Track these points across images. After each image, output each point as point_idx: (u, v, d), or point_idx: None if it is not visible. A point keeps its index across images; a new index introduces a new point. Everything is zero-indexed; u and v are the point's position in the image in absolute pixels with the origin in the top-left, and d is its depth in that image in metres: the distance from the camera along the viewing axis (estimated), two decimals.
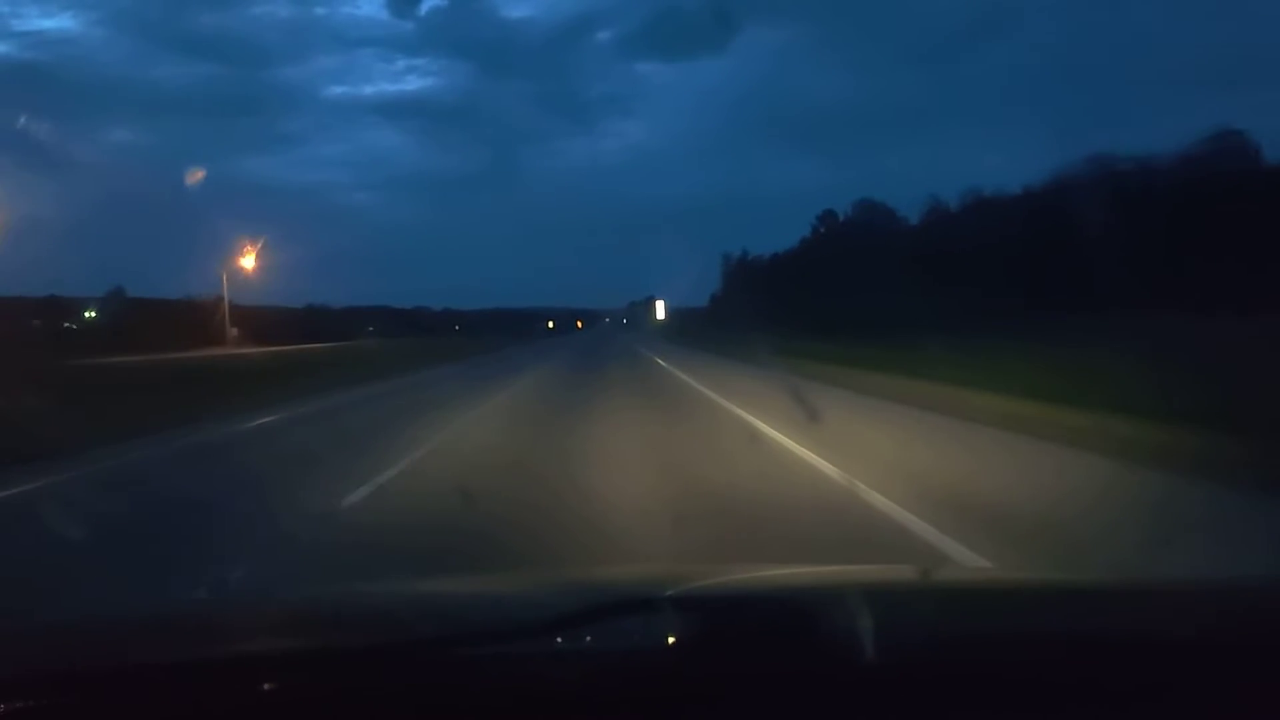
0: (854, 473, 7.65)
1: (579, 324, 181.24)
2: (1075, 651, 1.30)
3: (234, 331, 58.01)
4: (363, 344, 58.12)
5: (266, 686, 1.24)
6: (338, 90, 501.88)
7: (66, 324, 68.99)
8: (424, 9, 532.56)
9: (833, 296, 57.51)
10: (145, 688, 1.24)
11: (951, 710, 1.23)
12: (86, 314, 74.02)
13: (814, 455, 8.80)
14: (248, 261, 53.14)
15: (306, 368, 29.05)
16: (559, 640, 1.32)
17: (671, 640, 1.36)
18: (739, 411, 13.30)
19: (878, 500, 6.69)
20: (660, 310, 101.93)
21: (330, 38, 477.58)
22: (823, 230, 69.09)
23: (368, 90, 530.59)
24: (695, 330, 67.24)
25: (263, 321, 74.18)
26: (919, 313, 37.77)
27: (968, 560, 4.98)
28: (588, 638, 1.35)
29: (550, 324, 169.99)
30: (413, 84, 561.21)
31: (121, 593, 4.68)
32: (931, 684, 1.25)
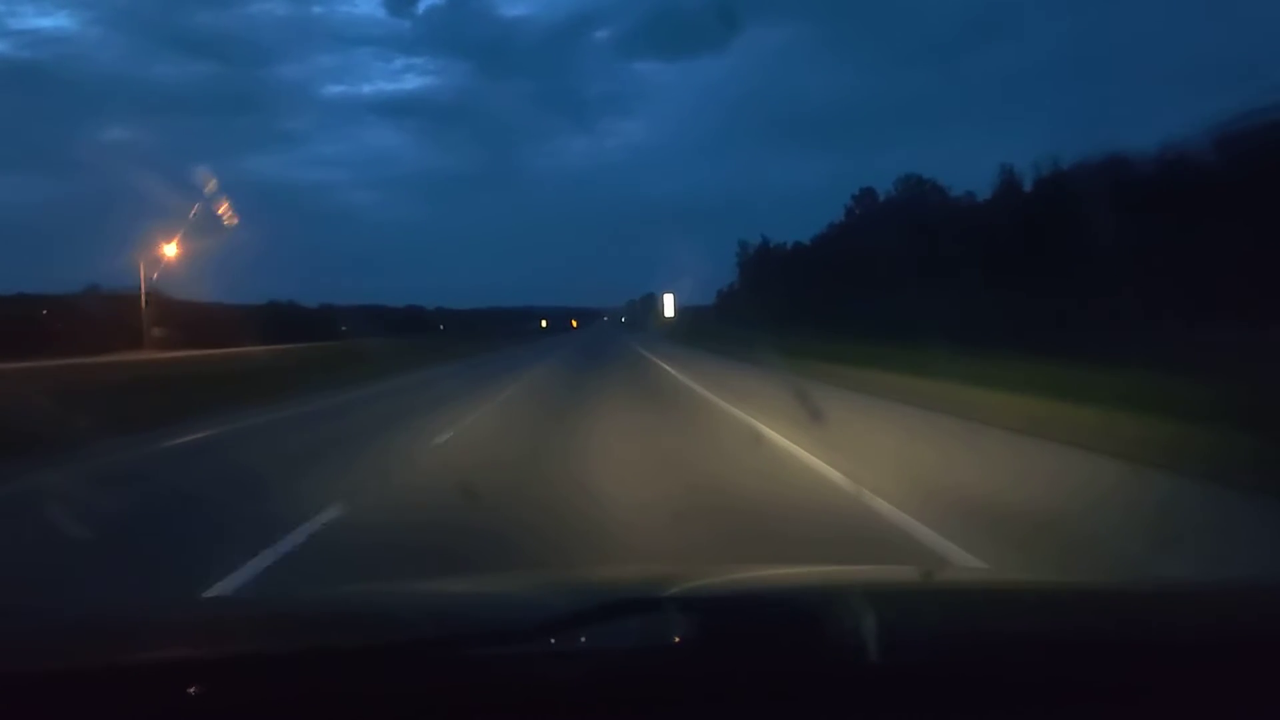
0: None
1: (573, 323, 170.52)
2: (1077, 652, 1.29)
3: (156, 331, 48.67)
4: (312, 348, 48.25)
5: (268, 686, 1.23)
6: (336, 89, 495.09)
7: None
8: (421, 8, 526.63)
9: (872, 289, 48.24)
10: (145, 687, 1.23)
11: (954, 711, 1.22)
12: (44, 311, 67.21)
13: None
14: (171, 248, 43.61)
15: (175, 384, 20.17)
16: (562, 640, 1.31)
17: (674, 640, 1.34)
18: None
19: None
20: (669, 306, 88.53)
21: (328, 36, 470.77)
22: (859, 212, 59.05)
23: (365, 89, 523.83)
24: (709, 330, 56.89)
25: (207, 319, 65.05)
26: (990, 311, 31.21)
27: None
28: (591, 637, 1.33)
29: (543, 323, 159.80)
30: (411, 83, 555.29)
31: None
32: (934, 684, 1.24)
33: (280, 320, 76.66)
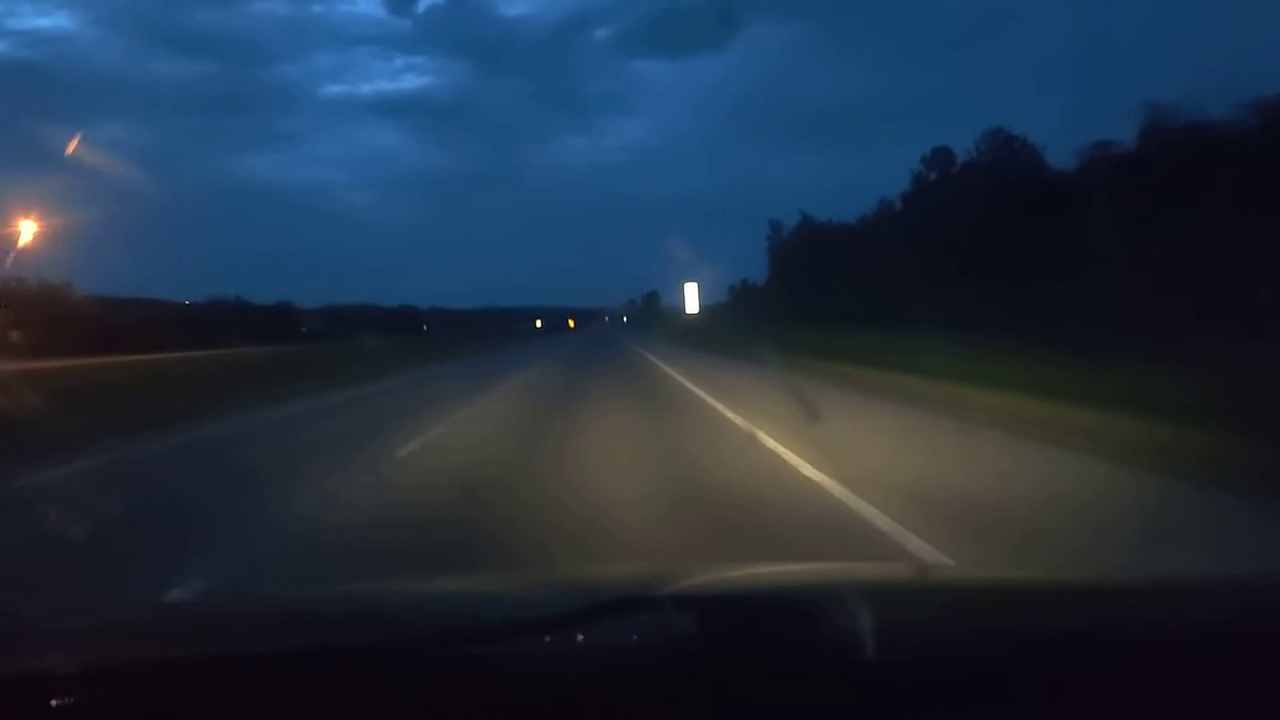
0: None
1: (570, 322, 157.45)
2: (1072, 649, 1.28)
3: (15, 335, 37.17)
4: (223, 355, 36.40)
5: (267, 685, 1.21)
6: (335, 89, 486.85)
7: None
8: (421, 7, 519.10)
9: (966, 277, 36.74)
10: (143, 685, 1.21)
11: (950, 709, 1.21)
12: None
13: None
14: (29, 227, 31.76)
15: None
16: (559, 639, 1.30)
17: (672, 639, 1.32)
18: None
19: None
20: (690, 299, 68.63)
21: (328, 36, 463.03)
22: (933, 178, 46.60)
23: (365, 89, 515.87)
24: (739, 331, 43.56)
25: (117, 318, 53.40)
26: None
27: None
28: (587, 636, 1.31)
29: (538, 323, 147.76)
30: (410, 82, 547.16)
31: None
32: (930, 683, 1.23)
33: (219, 320, 64.62)
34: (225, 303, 70.86)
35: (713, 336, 42.44)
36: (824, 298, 41.70)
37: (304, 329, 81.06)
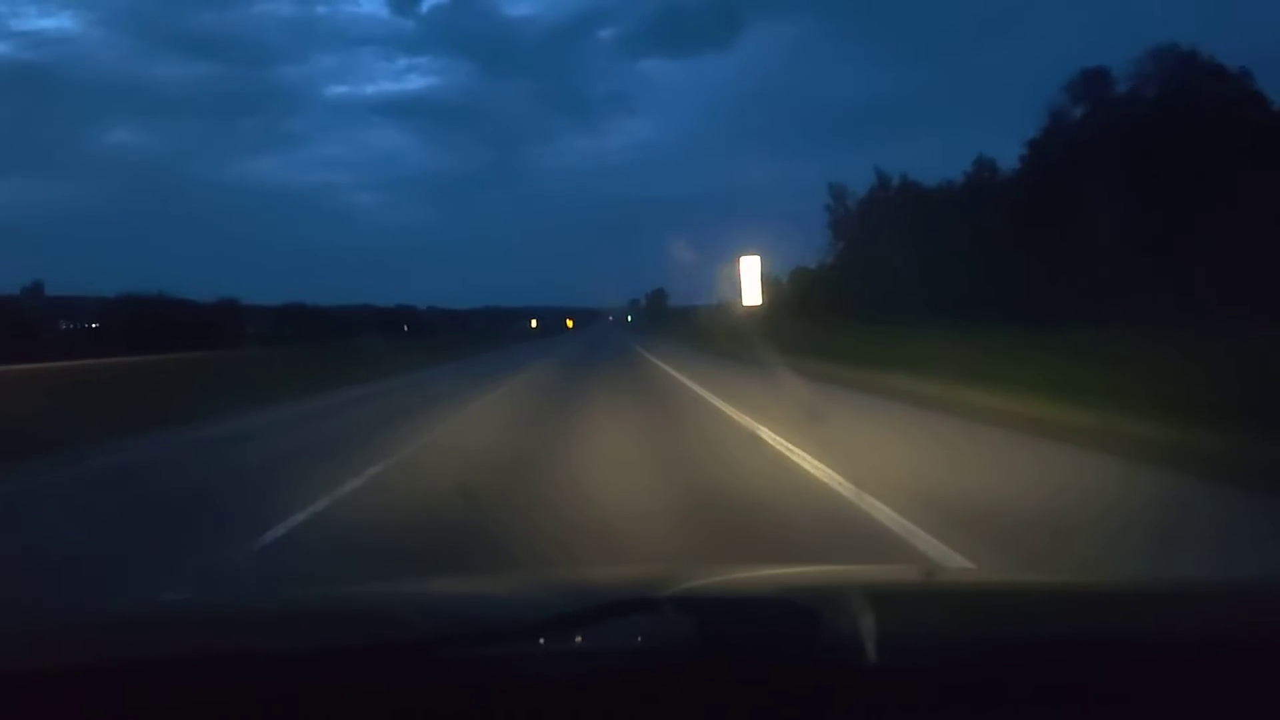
0: None
1: (568, 323, 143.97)
2: (1076, 652, 1.28)
3: None
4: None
5: (265, 684, 1.21)
6: (338, 90, 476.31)
7: None
8: (425, 7, 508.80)
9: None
10: (146, 683, 1.22)
11: (954, 712, 1.21)
12: None
13: None
14: None
15: None
16: (559, 640, 1.29)
17: (672, 641, 1.29)
18: None
19: None
20: (750, 282, 44.76)
21: (331, 36, 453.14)
22: (1081, 115, 33.18)
23: (368, 90, 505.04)
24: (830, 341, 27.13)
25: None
26: None
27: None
28: (588, 638, 1.30)
29: (533, 323, 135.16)
30: (414, 83, 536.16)
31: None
32: (934, 686, 1.23)
33: (131, 322, 52.05)
34: (147, 299, 58.08)
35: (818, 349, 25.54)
36: (930, 282, 28.92)
37: (250, 330, 68.88)
